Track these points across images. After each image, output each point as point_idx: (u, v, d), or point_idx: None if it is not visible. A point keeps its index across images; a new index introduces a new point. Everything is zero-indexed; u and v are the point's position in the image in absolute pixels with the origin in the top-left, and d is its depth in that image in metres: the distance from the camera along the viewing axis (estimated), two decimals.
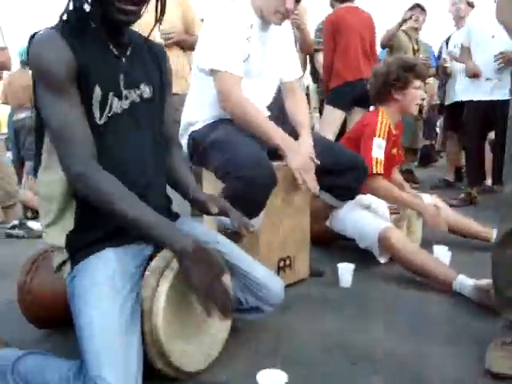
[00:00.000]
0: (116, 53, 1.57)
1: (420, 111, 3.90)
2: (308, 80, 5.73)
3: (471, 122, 4.50)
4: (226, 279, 1.70)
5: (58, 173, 1.50)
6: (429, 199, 3.02)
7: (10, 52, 3.82)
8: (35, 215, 4.47)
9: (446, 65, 5.22)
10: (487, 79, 4.29)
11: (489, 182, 4.99)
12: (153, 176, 1.66)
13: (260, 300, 1.80)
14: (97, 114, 1.49)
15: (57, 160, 1.48)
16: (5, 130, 6.03)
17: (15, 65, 5.57)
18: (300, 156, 2.18)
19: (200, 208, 1.80)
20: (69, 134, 1.43)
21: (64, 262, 1.57)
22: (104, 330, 1.37)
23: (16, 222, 3.89)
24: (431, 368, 1.68)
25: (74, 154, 1.43)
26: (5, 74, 5.11)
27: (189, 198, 1.81)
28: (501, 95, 4.07)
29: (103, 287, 1.44)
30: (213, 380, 1.62)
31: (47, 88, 1.43)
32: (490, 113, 4.28)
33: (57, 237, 1.57)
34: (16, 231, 3.84)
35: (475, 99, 4.41)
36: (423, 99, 3.00)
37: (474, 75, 4.33)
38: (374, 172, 2.72)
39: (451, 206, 3.40)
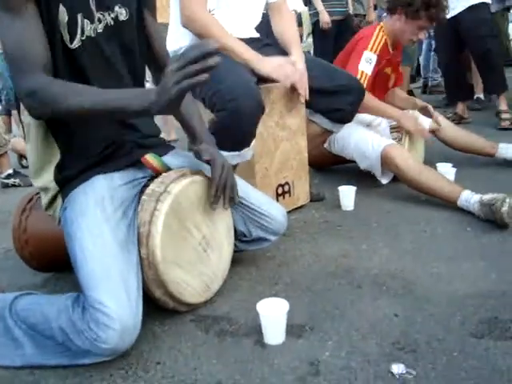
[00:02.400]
0: None
1: None
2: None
3: (442, 39, 4.35)
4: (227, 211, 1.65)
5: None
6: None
7: None
8: None
9: None
10: None
11: (481, 95, 4.90)
12: None
13: (263, 229, 1.77)
14: (66, 36, 1.39)
15: None
16: None
17: None
18: (270, 61, 2.05)
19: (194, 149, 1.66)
20: (21, 53, 1.33)
21: (54, 199, 1.54)
22: (97, 253, 1.34)
23: (10, 171, 3.83)
24: (438, 287, 1.63)
25: (26, 72, 1.33)
26: None
27: (187, 131, 1.69)
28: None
29: (93, 213, 1.40)
30: (213, 313, 1.57)
31: (3, 8, 1.32)
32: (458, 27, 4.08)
33: (45, 176, 1.52)
34: (12, 180, 3.79)
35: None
36: (417, 40, 2.81)
37: None
38: None
39: None
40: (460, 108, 4.37)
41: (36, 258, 1.84)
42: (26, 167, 4.42)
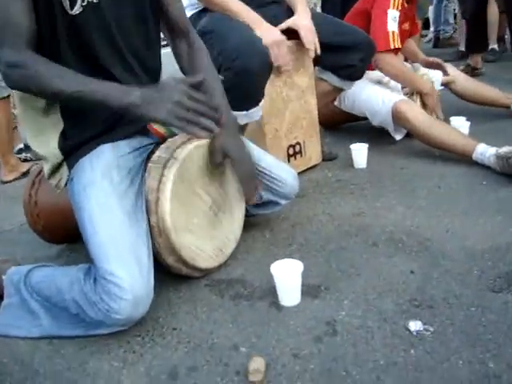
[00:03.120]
0: None
1: None
2: None
3: None
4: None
5: None
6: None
7: None
8: None
9: None
10: None
11: (495, 46, 4.78)
12: (143, 72, 1.54)
13: (274, 193, 1.74)
14: (66, 2, 1.33)
15: None
16: None
17: None
18: (271, 33, 1.99)
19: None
20: (6, 23, 1.28)
21: (58, 167, 1.52)
22: (106, 224, 1.33)
23: (21, 146, 3.81)
24: (455, 242, 1.61)
25: (10, 43, 1.29)
26: None
27: None
28: None
29: (100, 183, 1.38)
30: (228, 277, 1.57)
31: None
32: None
33: (47, 144, 1.50)
34: (23, 155, 3.77)
35: None
36: None
37: None
38: (392, 47, 2.48)
39: None
40: (475, 60, 4.26)
41: (48, 230, 1.84)
42: None
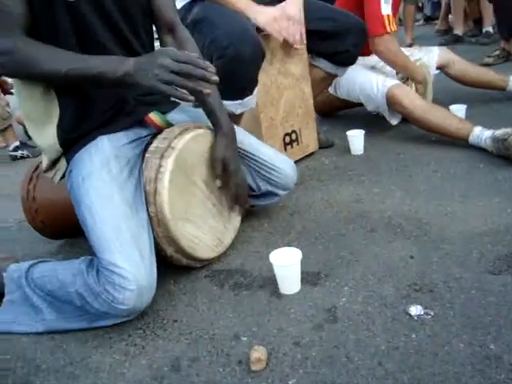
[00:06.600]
0: None
1: None
2: None
3: None
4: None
5: None
6: (436, 51, 2.81)
7: None
8: None
9: None
10: None
11: (490, 29, 4.67)
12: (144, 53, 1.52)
13: (273, 184, 1.74)
14: None
15: None
16: None
17: None
18: (265, 12, 1.97)
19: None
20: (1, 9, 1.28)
21: (57, 160, 1.51)
22: (107, 214, 1.32)
23: (17, 143, 3.81)
24: (453, 226, 1.61)
25: (4, 29, 1.28)
26: None
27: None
28: None
29: (99, 174, 1.38)
30: (227, 267, 1.57)
31: None
32: None
33: (47, 135, 1.48)
34: (19, 152, 3.77)
35: None
36: None
37: None
38: (388, 31, 2.40)
39: (486, 65, 3.14)
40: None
41: (48, 226, 1.84)
42: None
